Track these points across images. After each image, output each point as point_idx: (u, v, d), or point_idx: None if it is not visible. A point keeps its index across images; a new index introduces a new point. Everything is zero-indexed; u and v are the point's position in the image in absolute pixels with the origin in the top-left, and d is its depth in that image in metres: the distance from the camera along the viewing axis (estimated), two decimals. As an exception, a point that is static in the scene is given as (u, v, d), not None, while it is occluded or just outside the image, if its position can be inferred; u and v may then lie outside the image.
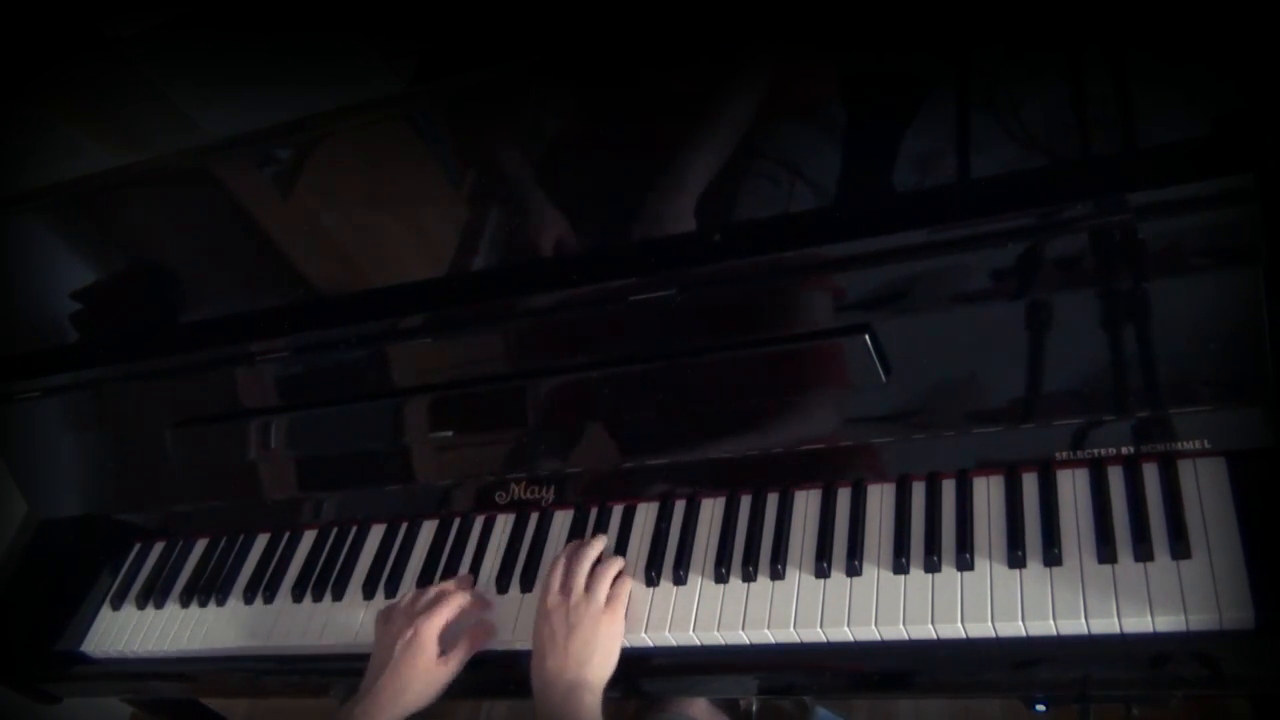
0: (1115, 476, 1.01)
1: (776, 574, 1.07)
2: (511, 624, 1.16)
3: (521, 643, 1.13)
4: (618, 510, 1.21)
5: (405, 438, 1.25)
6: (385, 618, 1.16)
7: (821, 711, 1.71)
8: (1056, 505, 1.01)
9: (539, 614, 1.09)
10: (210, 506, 1.42)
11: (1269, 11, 0.81)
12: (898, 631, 0.99)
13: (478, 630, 1.14)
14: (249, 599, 1.33)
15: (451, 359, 1.18)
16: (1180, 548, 0.93)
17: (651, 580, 1.13)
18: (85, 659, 1.40)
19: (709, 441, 1.13)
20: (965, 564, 1.00)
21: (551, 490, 1.24)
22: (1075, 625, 0.93)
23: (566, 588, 1.09)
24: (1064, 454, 1.03)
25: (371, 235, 1.18)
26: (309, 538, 1.36)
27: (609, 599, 1.08)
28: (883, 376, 1.02)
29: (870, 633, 1.01)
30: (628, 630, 1.10)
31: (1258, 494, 0.94)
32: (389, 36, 1.12)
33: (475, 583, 1.21)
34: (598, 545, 1.15)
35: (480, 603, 1.17)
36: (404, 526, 1.32)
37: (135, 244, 1.29)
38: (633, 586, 1.13)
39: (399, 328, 1.17)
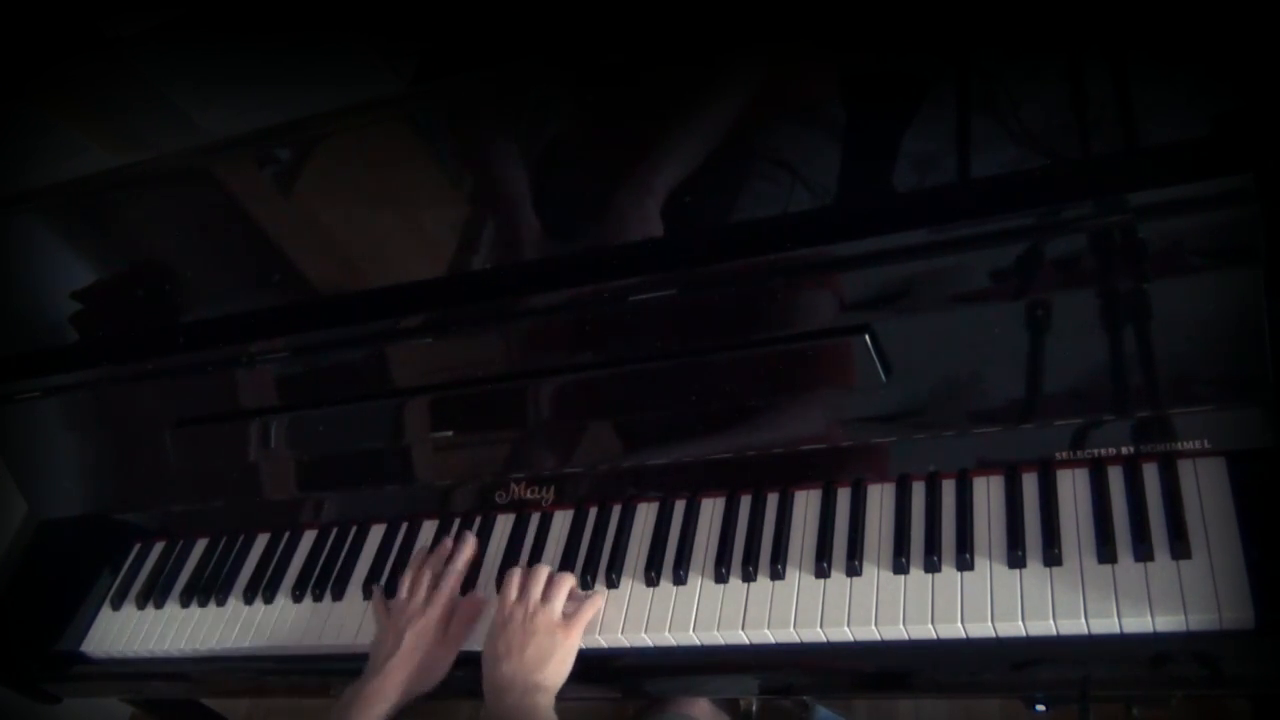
0: (1115, 476, 1.01)
1: (776, 574, 1.07)
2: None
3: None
4: (617, 510, 1.21)
5: (405, 438, 1.25)
6: (385, 606, 1.20)
7: (821, 711, 1.72)
8: (1056, 505, 1.01)
9: (495, 623, 1.12)
10: (210, 506, 1.41)
11: (1269, 11, 0.81)
12: (898, 631, 0.99)
13: (469, 609, 1.18)
14: (249, 599, 1.33)
15: (451, 359, 1.18)
16: (1180, 548, 0.93)
17: (651, 580, 1.13)
18: (85, 659, 1.39)
19: (709, 441, 1.13)
20: (965, 564, 1.00)
21: (551, 490, 1.24)
22: (1075, 625, 0.93)
23: (523, 597, 1.11)
24: (1064, 454, 1.03)
25: (371, 235, 1.18)
26: (309, 538, 1.36)
27: (572, 617, 1.10)
28: (883, 377, 1.02)
29: (870, 633, 1.01)
30: (629, 630, 1.10)
31: (1258, 494, 0.94)
32: (389, 36, 1.12)
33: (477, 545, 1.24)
34: (544, 567, 1.16)
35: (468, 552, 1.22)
36: (404, 526, 1.32)
37: (135, 244, 1.29)
38: (633, 586, 1.14)
39: (399, 328, 1.17)
